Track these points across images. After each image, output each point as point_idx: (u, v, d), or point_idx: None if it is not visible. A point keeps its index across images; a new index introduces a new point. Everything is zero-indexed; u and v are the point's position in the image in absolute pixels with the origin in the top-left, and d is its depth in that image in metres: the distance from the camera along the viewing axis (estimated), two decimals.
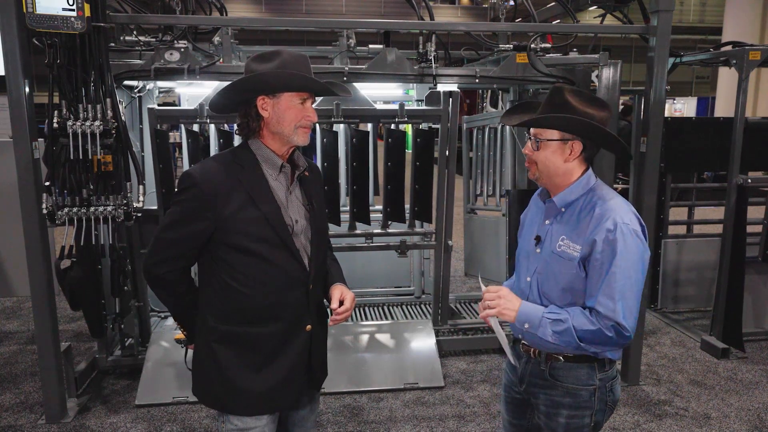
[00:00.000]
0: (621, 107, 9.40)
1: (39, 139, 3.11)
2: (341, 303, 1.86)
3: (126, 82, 3.62)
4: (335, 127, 3.96)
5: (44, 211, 3.06)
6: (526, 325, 1.75)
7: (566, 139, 1.76)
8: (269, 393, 1.82)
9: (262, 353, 1.81)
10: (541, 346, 1.85)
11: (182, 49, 3.35)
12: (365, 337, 4.02)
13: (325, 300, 1.96)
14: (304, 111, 1.77)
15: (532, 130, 1.82)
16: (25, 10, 2.81)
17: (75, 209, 3.08)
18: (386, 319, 4.54)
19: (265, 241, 1.75)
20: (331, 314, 1.86)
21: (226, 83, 1.80)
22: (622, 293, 1.67)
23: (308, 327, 1.87)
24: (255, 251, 1.75)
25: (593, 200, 1.77)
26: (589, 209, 1.76)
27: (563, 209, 1.82)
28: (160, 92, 4.35)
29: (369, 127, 4.17)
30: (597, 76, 3.68)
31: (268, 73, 1.71)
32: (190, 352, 1.95)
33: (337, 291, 1.89)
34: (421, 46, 3.67)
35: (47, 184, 3.07)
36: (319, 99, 3.84)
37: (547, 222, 1.86)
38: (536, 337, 1.79)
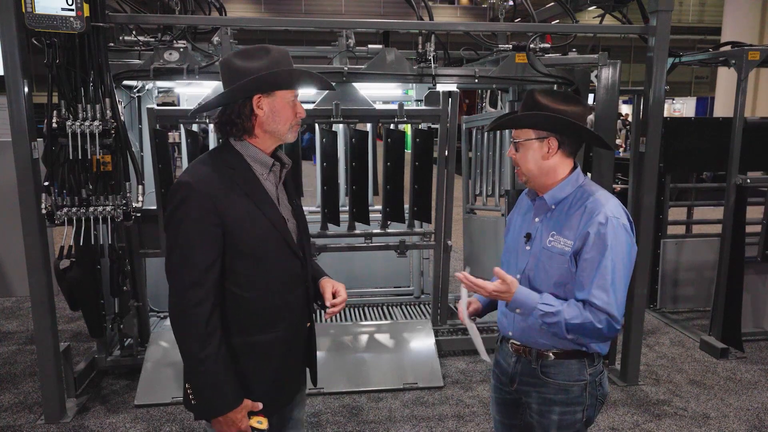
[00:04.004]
0: None
1: (38, 139, 3.11)
2: (335, 295, 1.86)
3: (125, 82, 3.62)
4: (334, 127, 3.96)
5: (43, 211, 3.06)
6: (518, 310, 1.81)
7: (541, 137, 1.81)
8: (272, 394, 1.81)
9: (274, 359, 1.79)
10: (532, 344, 1.89)
11: (181, 49, 3.35)
12: (364, 337, 4.02)
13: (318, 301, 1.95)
14: (296, 108, 1.76)
15: (512, 134, 1.89)
16: (24, 10, 2.80)
17: (74, 209, 3.08)
18: (385, 319, 4.55)
19: (268, 241, 1.73)
20: (326, 308, 1.85)
21: None
22: (614, 286, 1.72)
23: (308, 324, 1.88)
24: (259, 253, 1.72)
25: (583, 196, 1.82)
26: (579, 204, 1.80)
27: (553, 206, 1.86)
28: (159, 92, 4.35)
29: (368, 127, 4.17)
30: (596, 76, 3.69)
31: (282, 71, 1.68)
32: None
33: (329, 284, 1.89)
34: (420, 46, 3.66)
35: (46, 184, 3.06)
36: (319, 98, 3.87)
37: (536, 220, 1.90)
38: (525, 330, 1.87)
